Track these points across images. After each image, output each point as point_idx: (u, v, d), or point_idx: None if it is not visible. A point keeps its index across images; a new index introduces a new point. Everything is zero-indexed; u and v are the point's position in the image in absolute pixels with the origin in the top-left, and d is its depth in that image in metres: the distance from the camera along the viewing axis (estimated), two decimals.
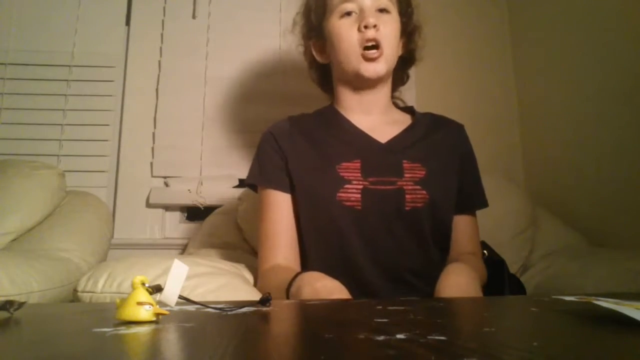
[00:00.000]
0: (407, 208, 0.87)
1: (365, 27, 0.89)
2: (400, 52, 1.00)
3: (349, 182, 0.88)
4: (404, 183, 0.88)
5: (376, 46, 0.90)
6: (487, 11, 1.78)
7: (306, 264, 0.92)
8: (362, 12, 0.92)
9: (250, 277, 0.93)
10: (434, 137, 0.97)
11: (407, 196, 0.87)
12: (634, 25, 1.21)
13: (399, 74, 1.05)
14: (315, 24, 0.99)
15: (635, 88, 1.19)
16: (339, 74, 0.98)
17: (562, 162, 1.49)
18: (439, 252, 0.92)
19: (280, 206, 0.92)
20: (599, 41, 1.33)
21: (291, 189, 0.93)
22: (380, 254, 0.87)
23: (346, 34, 0.92)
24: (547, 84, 1.58)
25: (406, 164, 0.90)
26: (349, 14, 0.92)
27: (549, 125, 1.58)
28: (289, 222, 0.92)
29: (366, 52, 0.90)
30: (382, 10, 0.93)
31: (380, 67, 0.91)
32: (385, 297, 0.85)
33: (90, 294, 0.76)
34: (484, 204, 1.00)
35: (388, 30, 0.92)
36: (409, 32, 1.00)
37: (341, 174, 0.89)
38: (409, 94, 1.55)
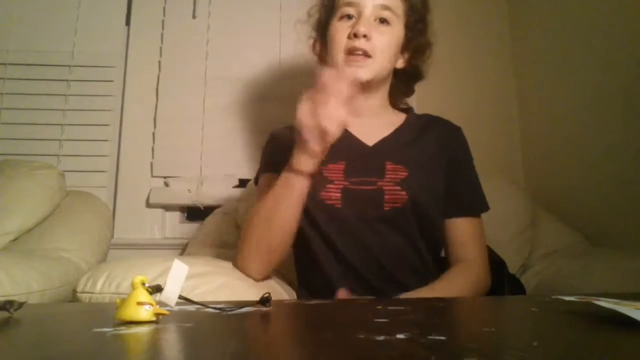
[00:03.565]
0: (386, 208, 0.88)
1: (355, 35, 0.89)
2: (401, 65, 0.98)
3: (331, 182, 0.90)
4: (384, 184, 0.89)
5: (365, 54, 0.89)
6: (487, 11, 1.78)
7: (297, 267, 0.97)
8: (359, 18, 0.91)
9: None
10: (424, 138, 0.97)
11: (386, 196, 0.88)
12: (634, 25, 1.20)
13: (402, 86, 1.04)
14: (323, 21, 0.99)
15: (635, 88, 1.19)
16: None
17: (562, 162, 1.49)
18: (430, 252, 0.93)
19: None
20: (599, 41, 1.32)
21: None
22: (364, 252, 0.88)
23: (338, 38, 0.92)
24: (547, 84, 1.58)
25: (389, 165, 0.91)
26: (349, 17, 0.92)
27: (548, 125, 1.58)
28: None
29: (351, 55, 0.89)
30: (383, 21, 0.92)
31: (363, 73, 0.90)
32: (374, 294, 0.87)
33: (89, 294, 0.76)
34: (480, 207, 0.97)
35: (382, 42, 0.90)
36: (414, 47, 0.98)
37: (325, 174, 0.91)
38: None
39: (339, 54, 0.91)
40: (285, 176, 0.84)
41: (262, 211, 0.86)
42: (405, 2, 0.95)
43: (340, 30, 0.92)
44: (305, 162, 0.82)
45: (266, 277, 0.89)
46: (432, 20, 1.01)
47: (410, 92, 1.07)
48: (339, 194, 0.89)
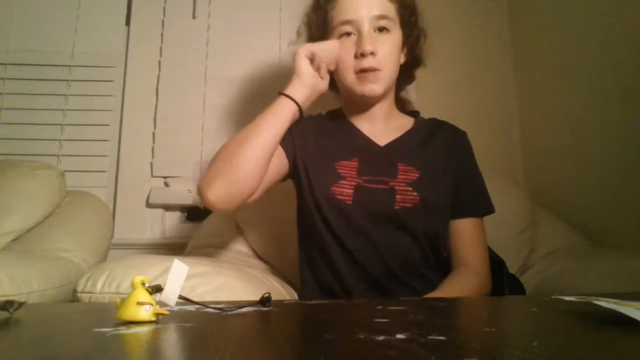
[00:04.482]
0: (396, 207, 0.89)
1: (362, 54, 0.89)
2: (403, 60, 0.99)
3: (344, 178, 0.92)
4: (396, 184, 0.91)
5: (374, 70, 0.90)
6: (487, 11, 1.78)
7: (303, 261, 0.98)
8: (359, 35, 0.91)
9: (250, 276, 0.93)
10: (433, 142, 0.98)
11: (398, 196, 0.90)
12: (633, 25, 1.21)
13: (404, 76, 1.05)
14: (316, 37, 0.99)
15: (635, 88, 1.20)
16: (341, 88, 1.00)
17: (562, 162, 1.49)
18: (434, 253, 0.93)
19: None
20: (598, 42, 1.33)
21: (295, 179, 0.97)
22: (371, 249, 0.89)
23: (344, 59, 0.92)
24: (547, 84, 1.58)
25: (401, 166, 0.93)
26: (348, 34, 0.92)
27: (548, 125, 1.58)
28: (272, 167, 0.91)
29: (362, 73, 0.90)
30: (382, 30, 0.92)
31: (378, 87, 0.92)
32: (380, 292, 0.89)
33: (89, 294, 0.76)
34: (485, 208, 0.98)
35: (386, 52, 0.91)
36: (412, 40, 1.00)
37: (338, 170, 0.93)
38: (410, 93, 1.55)
39: (349, 75, 0.92)
40: (274, 102, 0.90)
41: (241, 133, 0.88)
42: (395, 2, 0.95)
43: (345, 50, 0.92)
44: (297, 88, 0.90)
45: (225, 207, 0.87)
46: (421, 9, 1.01)
47: (411, 79, 1.08)
48: (351, 191, 0.90)
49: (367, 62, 0.89)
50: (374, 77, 0.91)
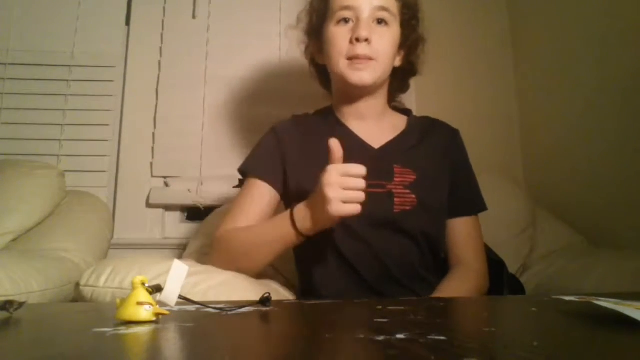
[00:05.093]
0: (395, 211, 0.89)
1: (357, 39, 0.88)
2: (398, 64, 0.99)
3: None
4: (393, 187, 0.90)
5: (367, 58, 0.90)
6: (487, 11, 1.77)
7: (298, 267, 0.97)
8: (357, 22, 0.90)
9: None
10: (427, 142, 0.98)
11: (396, 199, 0.89)
12: (633, 26, 1.21)
13: (399, 83, 1.04)
14: (316, 25, 0.99)
15: (634, 88, 1.20)
16: (333, 77, 0.99)
17: (562, 162, 1.49)
18: (432, 255, 0.93)
19: (262, 197, 0.94)
20: (598, 41, 1.33)
21: (284, 188, 0.95)
22: (369, 255, 0.88)
23: (338, 42, 0.91)
24: (547, 84, 1.58)
25: (397, 169, 0.92)
26: (346, 20, 0.91)
27: (548, 125, 1.58)
28: (264, 213, 0.93)
29: (353, 60, 0.89)
30: (381, 22, 0.92)
31: (367, 76, 0.90)
32: (379, 295, 0.88)
33: (92, 288, 0.76)
34: (479, 207, 0.98)
35: (382, 44, 0.91)
36: (409, 44, 0.99)
37: None
38: (409, 92, 1.55)
39: (340, 60, 0.91)
40: (282, 225, 0.84)
41: (246, 243, 0.89)
42: (400, 0, 0.95)
43: (339, 35, 0.91)
44: (309, 226, 0.82)
45: None
46: (423, 16, 1.01)
47: (405, 88, 1.08)
48: None
49: (361, 49, 0.88)
50: (365, 65, 0.89)
